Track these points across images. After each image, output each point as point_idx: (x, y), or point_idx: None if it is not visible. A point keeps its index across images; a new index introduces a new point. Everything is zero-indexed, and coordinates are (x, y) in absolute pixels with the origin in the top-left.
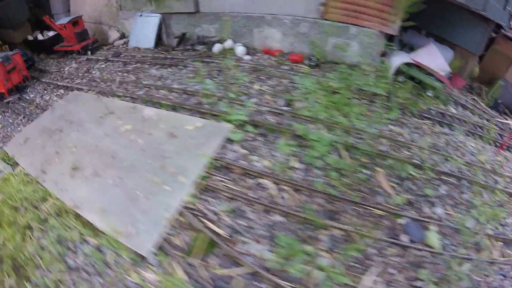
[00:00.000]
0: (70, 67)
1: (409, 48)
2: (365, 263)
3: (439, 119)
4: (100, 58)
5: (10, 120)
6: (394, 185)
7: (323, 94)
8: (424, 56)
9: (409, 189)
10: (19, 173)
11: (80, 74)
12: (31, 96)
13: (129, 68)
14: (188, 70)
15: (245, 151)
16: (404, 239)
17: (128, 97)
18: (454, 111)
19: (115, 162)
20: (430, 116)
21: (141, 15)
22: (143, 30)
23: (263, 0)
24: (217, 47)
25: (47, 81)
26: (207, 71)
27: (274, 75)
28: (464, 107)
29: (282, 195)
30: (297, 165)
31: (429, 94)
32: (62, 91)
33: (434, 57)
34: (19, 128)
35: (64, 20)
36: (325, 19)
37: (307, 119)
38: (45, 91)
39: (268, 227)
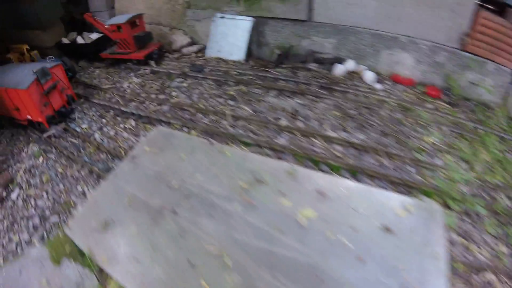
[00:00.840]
0: (131, 83)
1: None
2: None
3: None
4: (173, 71)
5: (60, 169)
6: None
7: (486, 149)
8: None
9: None
10: None
11: (152, 96)
12: (83, 127)
13: (231, 92)
14: (327, 104)
15: (463, 240)
16: None
17: (263, 146)
18: None
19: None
20: None
21: (223, 17)
22: (229, 37)
23: (401, 18)
24: (339, 69)
25: (102, 103)
26: (355, 108)
27: (429, 119)
28: None
29: None
30: (504, 249)
31: None
32: (132, 122)
33: None
34: (79, 188)
35: (118, 20)
36: (465, 51)
37: (492, 188)
38: (104, 120)
39: None
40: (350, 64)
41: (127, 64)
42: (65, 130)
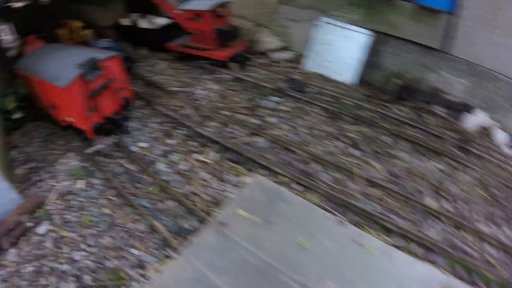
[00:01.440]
0: (206, 89)
1: None
2: None
3: None
4: (263, 83)
5: (106, 210)
6: None
7: None
8: None
9: None
10: None
11: (239, 117)
12: (141, 146)
13: (351, 134)
14: (470, 176)
15: None
16: None
17: (409, 239)
18: None
19: None
20: None
21: (330, 23)
22: (336, 51)
23: None
24: (470, 121)
25: (168, 113)
26: (497, 187)
27: None
28: None
29: None
30: None
31: None
32: (213, 155)
33: None
34: (134, 251)
35: (198, 5)
36: None
37: None
38: (170, 142)
39: None
40: (481, 117)
41: (198, 62)
42: (116, 146)
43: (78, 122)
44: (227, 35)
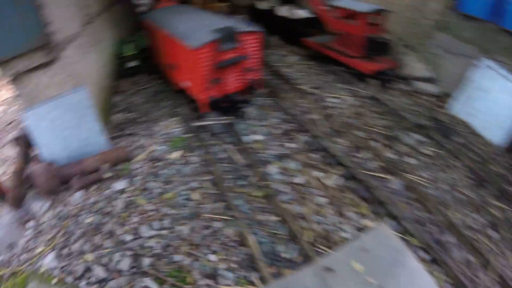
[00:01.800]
0: (338, 100)
1: None
2: None
3: None
4: (405, 114)
5: (196, 195)
6: None
7: None
8: None
9: None
10: None
11: (372, 144)
12: (254, 138)
13: (494, 212)
14: None
15: None
16: None
17: None
18: None
19: None
20: None
21: (491, 68)
22: (492, 103)
23: None
24: None
25: (293, 112)
26: None
27: None
28: None
29: None
30: None
31: None
32: (335, 179)
33: None
34: (211, 258)
35: (354, 5)
36: None
37: None
38: (289, 146)
39: None
40: None
41: (331, 66)
42: (228, 128)
43: (195, 90)
44: (378, 47)
